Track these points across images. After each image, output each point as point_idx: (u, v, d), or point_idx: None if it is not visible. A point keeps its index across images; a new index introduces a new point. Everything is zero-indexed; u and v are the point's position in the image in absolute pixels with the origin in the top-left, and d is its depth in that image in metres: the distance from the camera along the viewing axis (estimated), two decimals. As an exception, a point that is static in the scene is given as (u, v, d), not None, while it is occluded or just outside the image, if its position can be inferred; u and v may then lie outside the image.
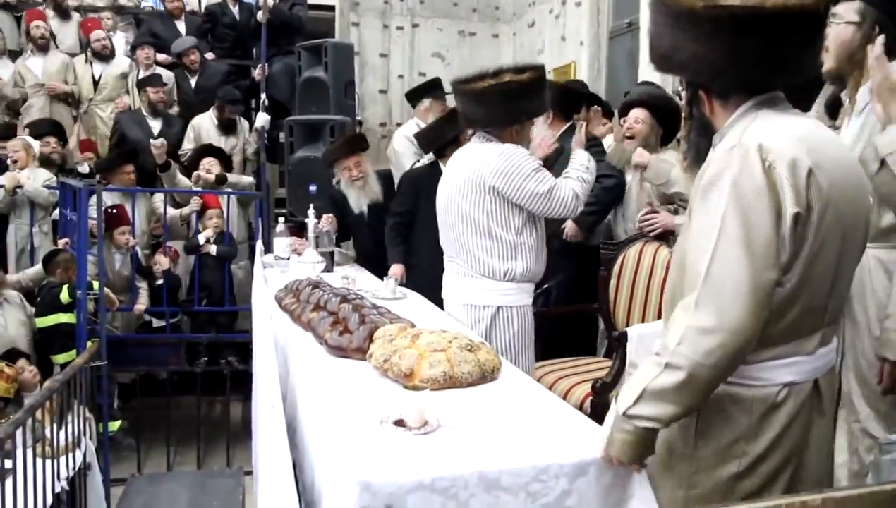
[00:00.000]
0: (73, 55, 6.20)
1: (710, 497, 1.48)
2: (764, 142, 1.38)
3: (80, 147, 5.89)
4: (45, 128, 5.54)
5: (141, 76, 5.99)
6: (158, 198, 5.26)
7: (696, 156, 1.61)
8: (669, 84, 4.81)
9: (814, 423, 1.51)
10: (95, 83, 6.03)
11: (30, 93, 5.93)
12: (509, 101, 2.63)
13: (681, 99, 2.87)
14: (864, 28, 2.10)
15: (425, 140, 3.90)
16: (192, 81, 6.15)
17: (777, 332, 1.43)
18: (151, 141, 5.17)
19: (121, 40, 6.55)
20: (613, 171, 3.62)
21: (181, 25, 6.48)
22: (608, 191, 3.62)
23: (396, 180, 4.22)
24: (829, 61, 2.15)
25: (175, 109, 6.13)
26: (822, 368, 1.52)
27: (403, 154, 5.07)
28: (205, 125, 5.78)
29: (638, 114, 3.59)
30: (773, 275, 1.37)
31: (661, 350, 1.41)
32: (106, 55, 6.06)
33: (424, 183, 3.64)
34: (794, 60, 1.45)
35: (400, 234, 3.78)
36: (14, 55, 6.16)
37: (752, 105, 1.49)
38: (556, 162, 3.05)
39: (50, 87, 5.90)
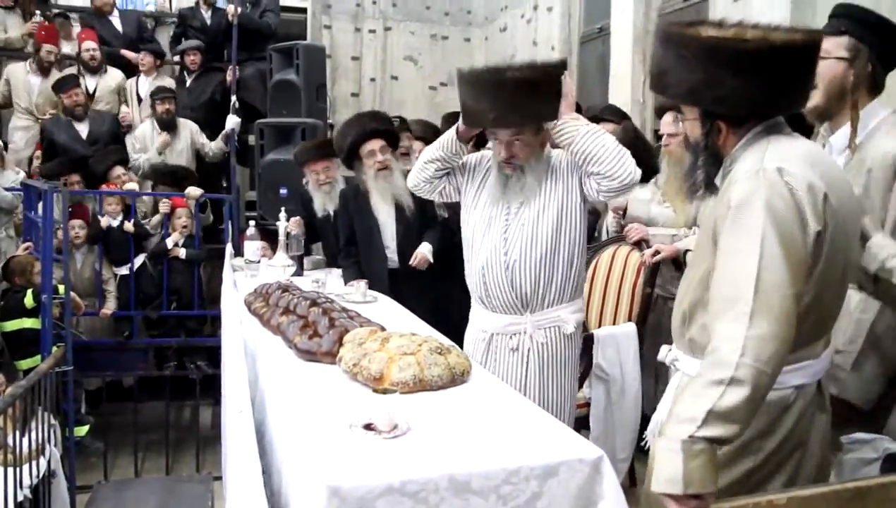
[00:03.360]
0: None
1: (728, 489, 1.52)
2: (784, 166, 1.48)
3: (36, 147, 5.71)
4: None
5: (151, 85, 5.87)
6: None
7: (707, 181, 1.69)
8: (639, 96, 4.90)
9: (816, 419, 1.63)
10: (91, 96, 5.83)
11: (17, 111, 5.77)
12: None
13: (659, 116, 2.85)
14: (856, 66, 2.08)
15: None
16: (188, 82, 6.09)
17: (793, 341, 1.49)
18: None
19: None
20: None
21: (116, 22, 6.36)
22: None
23: None
24: (817, 97, 2.11)
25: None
26: (825, 369, 1.66)
27: None
28: (147, 131, 5.67)
29: None
30: (804, 288, 1.47)
31: (712, 367, 1.40)
32: (96, 67, 5.87)
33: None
34: (806, 88, 1.61)
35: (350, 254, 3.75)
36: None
37: (761, 130, 1.59)
38: None
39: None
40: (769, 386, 1.41)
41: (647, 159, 3.56)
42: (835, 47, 2.09)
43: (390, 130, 3.55)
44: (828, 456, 1.69)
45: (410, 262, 3.44)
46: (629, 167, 2.34)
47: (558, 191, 2.47)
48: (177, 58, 6.32)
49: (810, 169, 1.49)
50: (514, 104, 2.34)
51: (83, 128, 5.57)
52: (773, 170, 1.48)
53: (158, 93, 5.62)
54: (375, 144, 3.44)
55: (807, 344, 1.57)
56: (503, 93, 2.33)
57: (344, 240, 3.73)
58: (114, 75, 6.02)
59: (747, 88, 1.53)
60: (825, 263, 1.51)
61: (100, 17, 6.31)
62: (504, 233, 2.48)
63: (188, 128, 5.71)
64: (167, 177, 5.30)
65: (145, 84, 5.97)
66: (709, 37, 1.53)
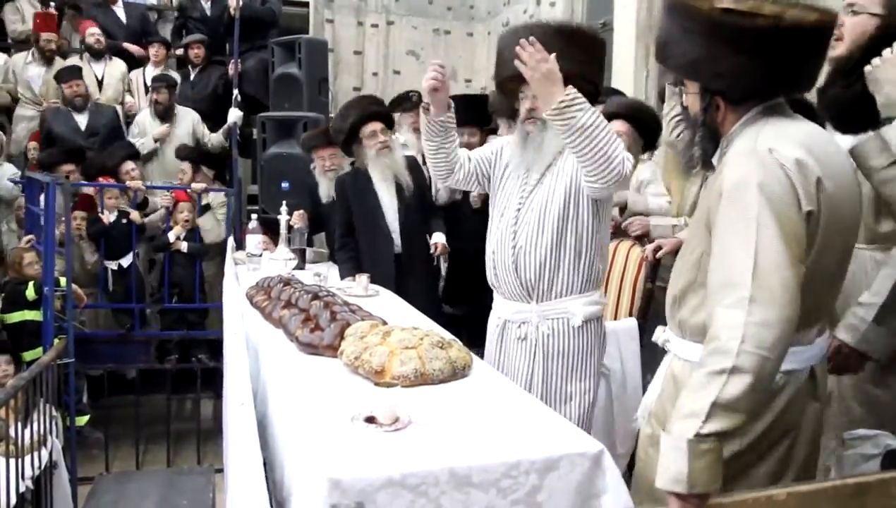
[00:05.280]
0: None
1: None
2: (775, 147, 1.47)
3: (30, 138, 5.69)
4: None
5: (154, 74, 5.89)
6: None
7: (704, 159, 1.68)
8: (642, 92, 4.88)
9: (808, 406, 1.61)
10: (99, 83, 5.82)
11: (22, 101, 5.75)
12: None
13: (663, 101, 2.75)
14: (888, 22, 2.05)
15: None
16: (192, 75, 6.09)
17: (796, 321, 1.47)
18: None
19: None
20: None
21: (120, 12, 6.34)
22: None
23: None
24: (841, 48, 2.12)
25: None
26: (818, 356, 1.64)
27: None
28: (147, 118, 5.70)
29: (618, 127, 3.57)
30: (803, 268, 1.45)
31: (712, 356, 1.39)
32: (101, 51, 5.85)
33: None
34: (814, 71, 1.59)
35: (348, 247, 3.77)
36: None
37: (760, 110, 1.58)
38: None
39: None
40: (774, 372, 1.39)
41: (653, 129, 3.44)
42: (870, 3, 2.10)
43: (388, 114, 3.80)
44: (817, 448, 1.67)
45: (431, 252, 3.55)
46: (615, 169, 2.19)
47: (567, 175, 2.39)
48: (181, 51, 6.28)
49: (805, 151, 1.48)
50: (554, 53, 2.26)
51: (82, 120, 5.55)
52: (764, 151, 1.47)
53: (154, 82, 5.66)
54: (377, 126, 3.63)
55: (798, 330, 1.52)
56: (544, 39, 2.26)
57: (341, 231, 3.73)
58: (118, 64, 6.02)
59: (746, 67, 1.51)
60: (819, 248, 1.50)
61: (104, 7, 6.29)
62: (515, 218, 2.45)
63: (189, 118, 5.71)
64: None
65: (151, 75, 5.97)
66: (712, 10, 1.50)
